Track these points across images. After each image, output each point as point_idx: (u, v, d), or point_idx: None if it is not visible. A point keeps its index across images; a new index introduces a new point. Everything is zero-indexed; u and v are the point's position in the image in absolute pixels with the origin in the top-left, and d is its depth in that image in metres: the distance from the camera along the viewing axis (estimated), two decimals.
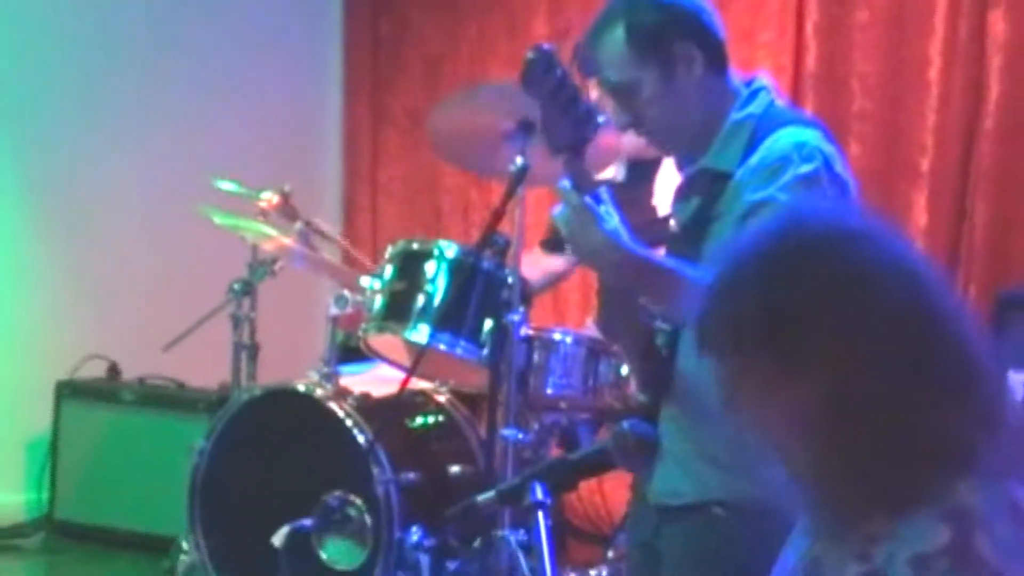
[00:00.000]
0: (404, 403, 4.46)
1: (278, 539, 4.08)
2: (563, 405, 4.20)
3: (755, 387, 1.60)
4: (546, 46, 2.65)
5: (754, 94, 2.73)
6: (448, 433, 4.59)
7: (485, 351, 4.03)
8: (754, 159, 2.62)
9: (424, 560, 4.17)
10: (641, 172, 4.50)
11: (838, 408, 1.57)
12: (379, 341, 4.36)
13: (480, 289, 4.09)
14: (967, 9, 5.08)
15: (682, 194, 2.79)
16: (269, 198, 4.76)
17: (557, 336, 4.13)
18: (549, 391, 4.09)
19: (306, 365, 4.63)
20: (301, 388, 4.42)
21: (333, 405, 4.32)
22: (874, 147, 5.28)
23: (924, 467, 1.57)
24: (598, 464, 2.43)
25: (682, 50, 2.68)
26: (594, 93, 3.27)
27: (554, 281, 4.88)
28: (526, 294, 3.97)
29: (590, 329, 4.15)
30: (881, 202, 5.00)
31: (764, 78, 2.79)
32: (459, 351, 4.10)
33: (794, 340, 1.57)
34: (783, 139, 2.62)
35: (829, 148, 2.64)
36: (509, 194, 3.83)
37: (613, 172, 4.45)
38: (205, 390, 5.58)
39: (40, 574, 5.73)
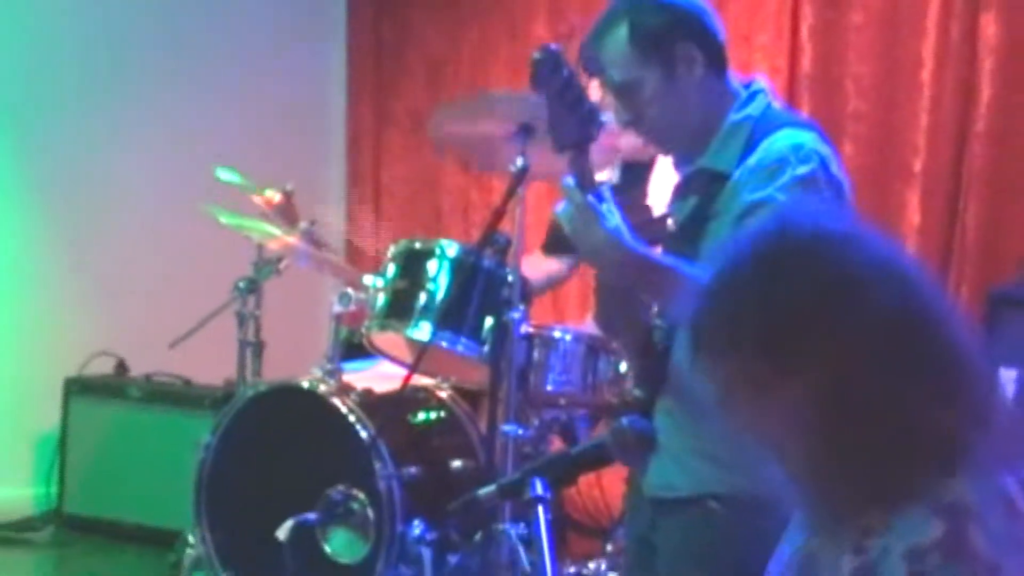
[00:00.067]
0: (406, 399, 4.48)
1: (282, 533, 4.09)
2: (563, 401, 4.22)
3: (751, 387, 1.60)
4: (553, 46, 2.67)
5: (752, 96, 2.76)
6: (449, 429, 4.58)
7: (486, 348, 4.04)
8: (752, 160, 2.65)
9: (426, 553, 4.18)
10: (635, 174, 4.51)
11: (833, 407, 1.58)
12: (382, 338, 4.37)
13: (481, 287, 4.10)
14: (959, 12, 5.08)
15: (680, 193, 2.81)
16: (271, 197, 4.75)
17: (557, 334, 4.13)
18: (549, 387, 4.10)
19: (310, 362, 4.63)
20: (305, 384, 4.43)
21: (336, 401, 4.32)
22: (868, 147, 5.28)
23: (918, 464, 1.59)
24: (597, 459, 2.39)
25: (683, 51, 2.70)
26: (594, 94, 3.32)
27: (554, 283, 4.88)
28: (526, 293, 3.97)
29: (590, 326, 4.12)
30: (875, 201, 5.02)
31: (762, 81, 2.82)
32: (460, 348, 4.11)
33: (790, 341, 1.58)
34: (780, 141, 2.65)
35: (825, 149, 2.67)
36: (510, 194, 3.85)
37: (608, 175, 4.44)
38: (211, 386, 5.60)
39: (49, 567, 5.75)
